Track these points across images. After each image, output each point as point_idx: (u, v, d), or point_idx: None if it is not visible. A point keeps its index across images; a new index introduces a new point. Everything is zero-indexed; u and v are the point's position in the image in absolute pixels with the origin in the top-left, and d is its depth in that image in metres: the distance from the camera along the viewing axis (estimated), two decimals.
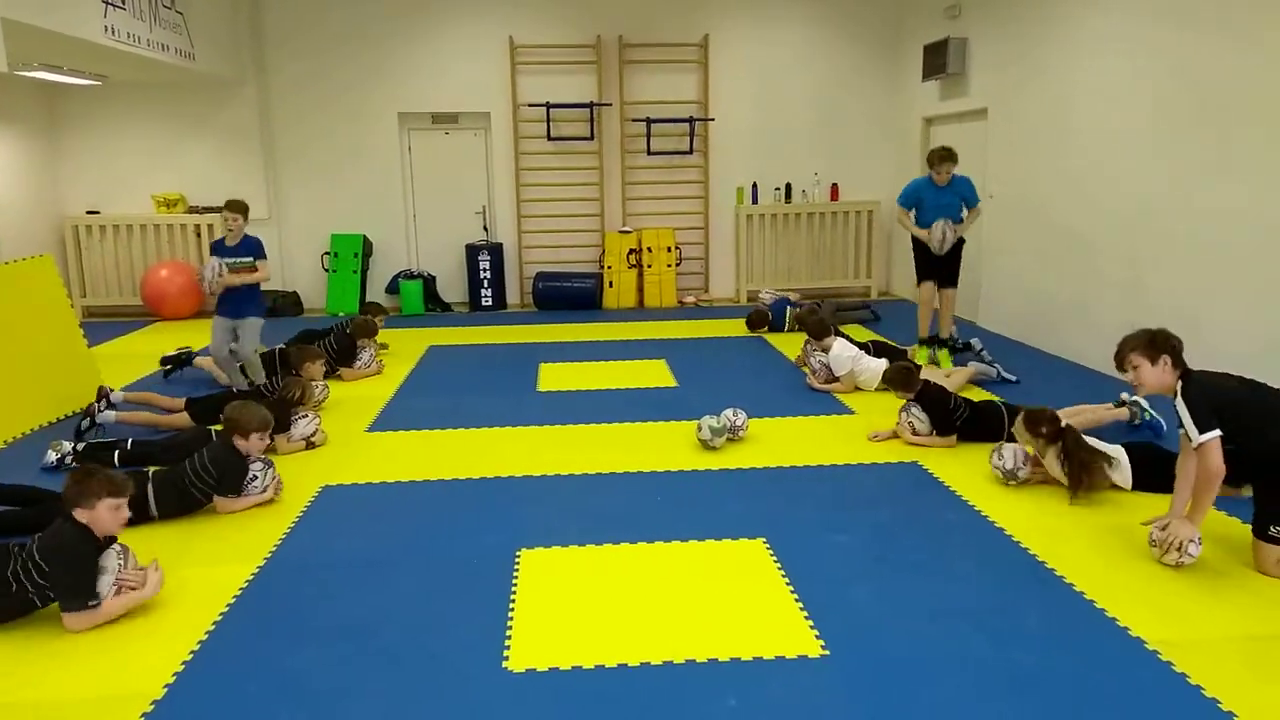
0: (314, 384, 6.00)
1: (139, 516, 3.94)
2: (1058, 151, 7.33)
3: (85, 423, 5.57)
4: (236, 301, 6.24)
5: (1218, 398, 3.51)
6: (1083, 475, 4.28)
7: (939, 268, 6.92)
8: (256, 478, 4.41)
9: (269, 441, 4.71)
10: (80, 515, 3.28)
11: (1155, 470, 4.30)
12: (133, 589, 3.32)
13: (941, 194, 6.71)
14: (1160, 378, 3.59)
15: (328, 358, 6.75)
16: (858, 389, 6.38)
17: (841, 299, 9.95)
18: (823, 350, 6.59)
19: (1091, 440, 4.46)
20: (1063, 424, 4.45)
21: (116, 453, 4.97)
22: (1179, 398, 3.54)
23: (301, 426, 5.32)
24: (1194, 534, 3.50)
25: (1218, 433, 3.42)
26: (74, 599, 3.20)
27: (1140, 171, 6.34)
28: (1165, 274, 6.10)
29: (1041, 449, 4.46)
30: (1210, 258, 5.69)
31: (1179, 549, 3.50)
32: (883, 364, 6.25)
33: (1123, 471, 4.39)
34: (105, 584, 3.27)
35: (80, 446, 5.02)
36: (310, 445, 5.32)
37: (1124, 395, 5.44)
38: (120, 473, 3.48)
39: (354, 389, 6.67)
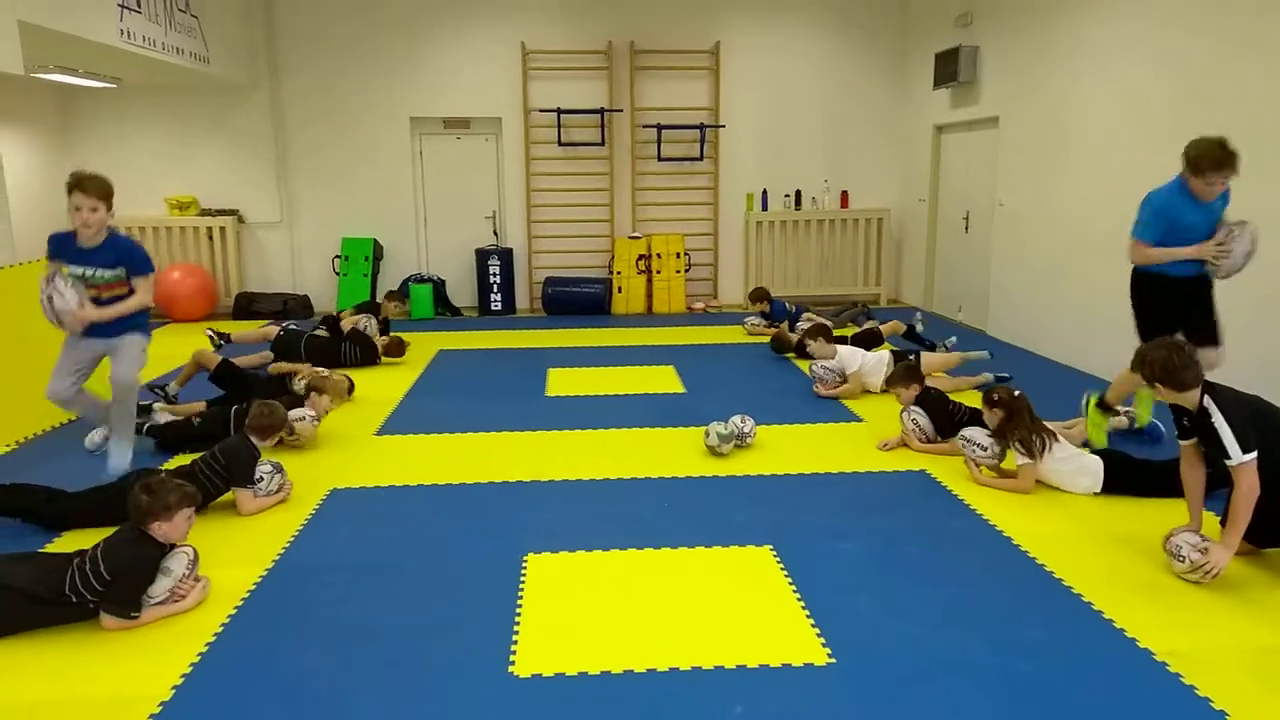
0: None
1: None
2: (1068, 160, 7.32)
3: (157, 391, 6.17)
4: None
5: (1246, 408, 3.46)
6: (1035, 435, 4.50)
7: (1188, 313, 4.60)
8: (263, 479, 4.43)
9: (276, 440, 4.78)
10: (157, 527, 3.34)
11: (1126, 476, 4.44)
12: (181, 597, 3.38)
13: (1203, 211, 4.49)
14: (1187, 397, 3.54)
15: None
16: (866, 391, 6.42)
17: (831, 306, 9.96)
18: (827, 358, 6.61)
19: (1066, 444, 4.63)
20: (1015, 393, 4.71)
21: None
22: (1216, 416, 3.42)
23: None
24: (1228, 560, 3.44)
25: (1255, 454, 3.36)
26: (120, 609, 3.25)
27: (1151, 180, 6.30)
28: None
29: (994, 420, 4.69)
30: None
31: (1212, 576, 3.44)
32: (884, 356, 6.46)
33: (1093, 476, 4.46)
34: (162, 587, 3.32)
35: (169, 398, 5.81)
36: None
37: (1119, 406, 5.43)
38: (185, 483, 3.53)
39: (364, 391, 6.66)
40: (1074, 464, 4.52)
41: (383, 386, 6.90)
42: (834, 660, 3.01)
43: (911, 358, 6.29)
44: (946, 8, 9.31)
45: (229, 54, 9.23)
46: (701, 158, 10.53)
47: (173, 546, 3.42)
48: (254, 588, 3.59)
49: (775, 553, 3.86)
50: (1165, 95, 6.14)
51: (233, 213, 10.30)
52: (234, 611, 3.39)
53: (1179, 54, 5.99)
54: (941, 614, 3.33)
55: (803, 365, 7.16)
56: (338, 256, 10.40)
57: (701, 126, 10.38)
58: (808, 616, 3.31)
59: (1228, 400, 3.46)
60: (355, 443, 5.51)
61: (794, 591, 3.51)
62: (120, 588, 3.24)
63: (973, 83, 8.80)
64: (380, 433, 5.74)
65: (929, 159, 9.94)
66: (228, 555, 3.89)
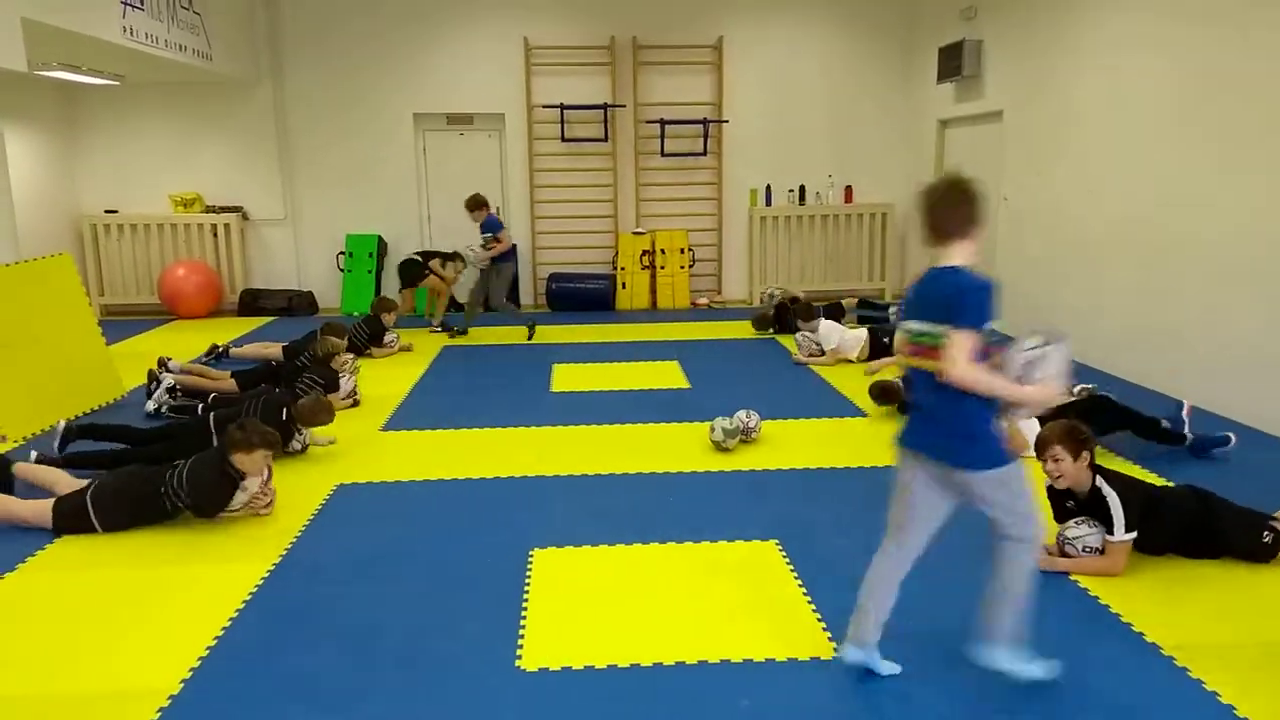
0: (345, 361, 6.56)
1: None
2: (1073, 154, 7.30)
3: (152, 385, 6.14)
4: None
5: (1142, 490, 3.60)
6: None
7: None
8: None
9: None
10: (239, 458, 4.09)
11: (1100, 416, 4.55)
12: (260, 507, 4.21)
13: None
14: (1081, 472, 3.57)
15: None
16: (846, 360, 7.24)
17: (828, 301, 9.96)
18: (810, 330, 7.48)
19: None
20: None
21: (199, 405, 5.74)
22: (1106, 490, 3.52)
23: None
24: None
25: (1134, 535, 3.49)
26: (204, 515, 4.14)
27: (1155, 176, 6.31)
28: (1178, 279, 6.05)
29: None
30: (1224, 263, 5.65)
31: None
32: (861, 334, 7.29)
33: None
34: (239, 501, 4.14)
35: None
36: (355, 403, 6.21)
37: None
38: (270, 429, 4.28)
39: (369, 387, 6.67)
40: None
41: (388, 382, 6.91)
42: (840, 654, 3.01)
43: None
44: (951, 1, 9.28)
45: (232, 51, 9.23)
46: (705, 153, 10.51)
47: (244, 475, 4.10)
48: (261, 583, 3.59)
49: (781, 547, 3.86)
50: (1170, 89, 6.12)
51: (237, 209, 10.30)
52: (241, 606, 3.40)
53: (1184, 47, 5.97)
54: (946, 608, 3.32)
55: (786, 341, 7.88)
56: (342, 253, 10.40)
57: (705, 122, 10.37)
58: (813, 610, 3.32)
59: (1118, 480, 3.59)
60: (361, 438, 5.52)
61: (800, 586, 3.52)
62: (199, 505, 4.09)
63: (977, 77, 8.78)
64: (385, 428, 5.75)
65: (933, 153, 9.91)
66: (234, 551, 3.90)
